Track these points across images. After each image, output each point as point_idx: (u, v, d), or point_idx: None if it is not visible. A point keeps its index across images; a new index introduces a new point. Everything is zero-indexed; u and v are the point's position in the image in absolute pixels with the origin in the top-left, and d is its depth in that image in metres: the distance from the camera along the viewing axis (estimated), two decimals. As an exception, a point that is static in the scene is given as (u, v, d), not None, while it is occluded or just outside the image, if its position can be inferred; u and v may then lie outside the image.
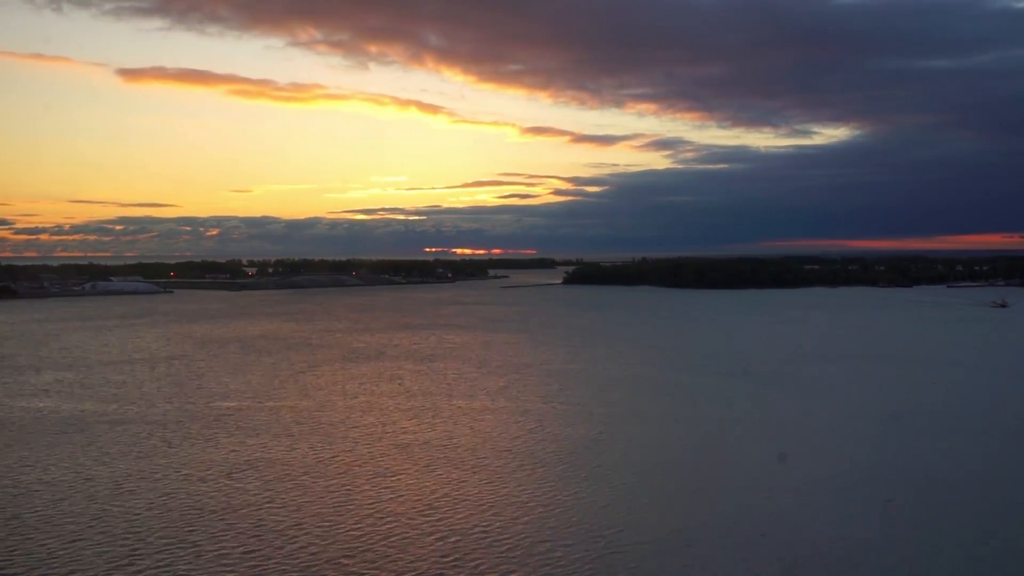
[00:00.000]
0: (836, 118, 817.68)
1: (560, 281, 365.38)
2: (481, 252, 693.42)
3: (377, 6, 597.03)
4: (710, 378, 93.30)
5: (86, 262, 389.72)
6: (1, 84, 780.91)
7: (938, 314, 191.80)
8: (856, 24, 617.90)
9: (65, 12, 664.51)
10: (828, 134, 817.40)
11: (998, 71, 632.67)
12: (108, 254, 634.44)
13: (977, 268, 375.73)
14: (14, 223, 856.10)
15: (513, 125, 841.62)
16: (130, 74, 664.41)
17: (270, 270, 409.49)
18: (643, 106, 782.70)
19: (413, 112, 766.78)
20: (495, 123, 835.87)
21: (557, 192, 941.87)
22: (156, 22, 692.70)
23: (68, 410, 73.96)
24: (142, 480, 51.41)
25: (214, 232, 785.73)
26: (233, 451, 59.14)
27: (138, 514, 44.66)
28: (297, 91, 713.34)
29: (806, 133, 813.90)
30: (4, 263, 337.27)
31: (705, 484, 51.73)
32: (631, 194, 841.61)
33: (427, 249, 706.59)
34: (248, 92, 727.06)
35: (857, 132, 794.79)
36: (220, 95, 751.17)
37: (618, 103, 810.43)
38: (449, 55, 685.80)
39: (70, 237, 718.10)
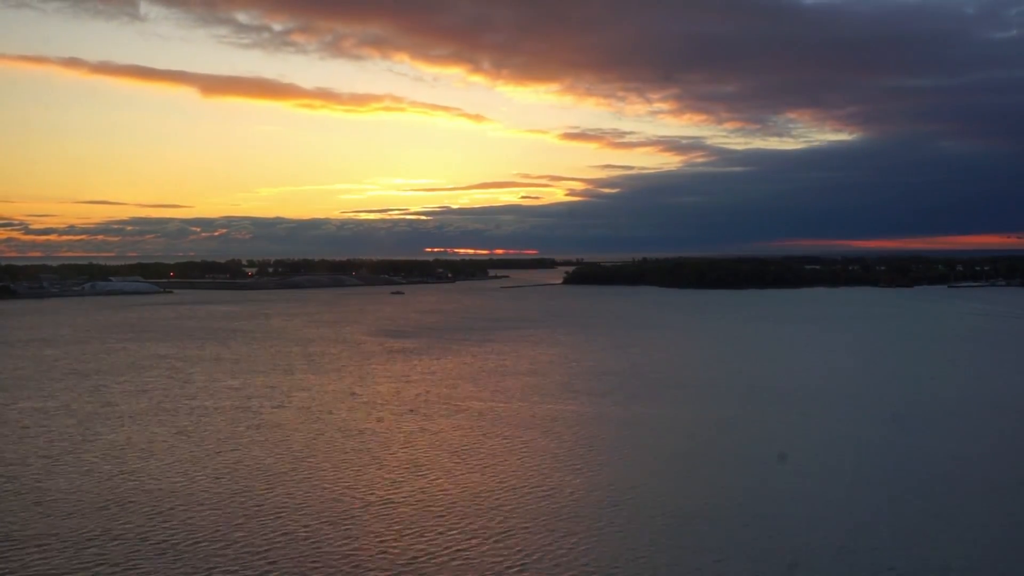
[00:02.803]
0: (837, 130, 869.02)
1: (560, 281, 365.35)
2: (484, 252, 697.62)
3: (444, 40, 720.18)
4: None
5: (86, 262, 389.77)
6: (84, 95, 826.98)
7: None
8: (853, 50, 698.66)
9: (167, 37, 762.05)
10: (829, 139, 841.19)
11: (986, 88, 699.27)
12: (112, 254, 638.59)
13: (978, 268, 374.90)
14: (29, 224, 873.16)
15: (547, 133, 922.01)
16: (210, 87, 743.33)
17: (270, 270, 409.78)
18: (664, 119, 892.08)
19: (460, 121, 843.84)
20: (531, 131, 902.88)
21: (572, 193, 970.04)
22: (253, 53, 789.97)
23: None
24: None
25: (220, 232, 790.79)
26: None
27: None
28: (357, 103, 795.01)
29: (808, 139, 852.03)
30: (4, 263, 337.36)
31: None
32: (637, 195, 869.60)
33: (427, 249, 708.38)
34: (313, 105, 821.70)
35: (857, 137, 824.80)
36: (289, 108, 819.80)
37: (640, 116, 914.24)
38: (499, 77, 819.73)
39: (76, 237, 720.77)
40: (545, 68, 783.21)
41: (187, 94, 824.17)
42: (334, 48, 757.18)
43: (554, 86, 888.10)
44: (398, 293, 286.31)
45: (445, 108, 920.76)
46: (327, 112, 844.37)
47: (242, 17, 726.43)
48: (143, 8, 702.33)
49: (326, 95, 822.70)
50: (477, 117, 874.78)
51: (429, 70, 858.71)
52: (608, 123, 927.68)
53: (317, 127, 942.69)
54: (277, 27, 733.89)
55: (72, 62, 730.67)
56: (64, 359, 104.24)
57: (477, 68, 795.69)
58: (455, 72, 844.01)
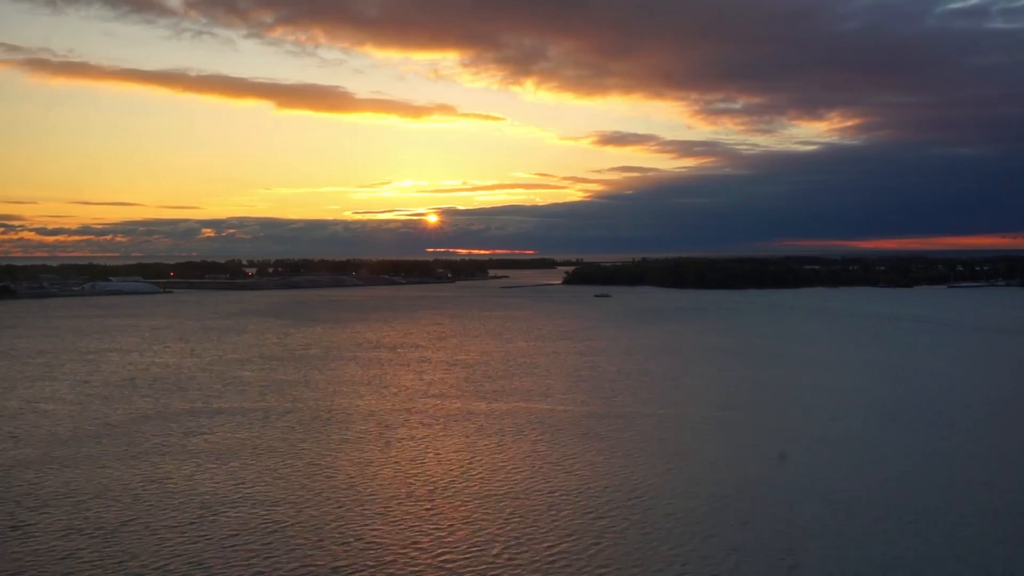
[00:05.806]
0: (838, 139, 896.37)
1: (560, 281, 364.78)
2: (485, 252, 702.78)
3: (499, 68, 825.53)
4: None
5: (86, 262, 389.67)
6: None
7: None
8: (852, 72, 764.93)
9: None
10: (830, 142, 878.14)
11: (975, 102, 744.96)
12: (117, 255, 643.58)
13: (978, 268, 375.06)
14: (44, 226, 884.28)
15: (579, 139, 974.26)
16: (284, 100, 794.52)
17: (270, 270, 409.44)
18: (680, 131, 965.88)
19: (504, 126, 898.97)
20: (564, 138, 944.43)
21: (586, 193, 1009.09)
22: (326, 74, 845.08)
23: None
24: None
25: (228, 232, 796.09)
26: None
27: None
28: (412, 114, 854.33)
29: (810, 144, 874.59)
30: (4, 263, 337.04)
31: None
32: (642, 196, 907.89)
33: (429, 249, 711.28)
34: (370, 116, 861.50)
35: (858, 141, 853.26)
36: (352, 118, 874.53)
37: (660, 126, 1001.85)
38: (539, 96, 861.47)
39: (80, 238, 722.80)
40: (583, 87, 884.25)
41: (264, 107, 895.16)
42: (397, 74, 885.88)
43: (589, 101, 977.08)
44: (604, 296, 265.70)
45: (493, 118, 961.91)
46: (382, 121, 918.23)
47: (327, 54, 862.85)
48: (240, 44, 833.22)
49: (387, 106, 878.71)
50: (513, 125, 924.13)
51: (480, 89, 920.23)
52: (630, 128, 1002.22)
53: (372, 134, 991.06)
54: (355, 63, 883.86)
55: (172, 78, 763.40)
56: None
57: (523, 89, 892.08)
58: (505, 91, 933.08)
